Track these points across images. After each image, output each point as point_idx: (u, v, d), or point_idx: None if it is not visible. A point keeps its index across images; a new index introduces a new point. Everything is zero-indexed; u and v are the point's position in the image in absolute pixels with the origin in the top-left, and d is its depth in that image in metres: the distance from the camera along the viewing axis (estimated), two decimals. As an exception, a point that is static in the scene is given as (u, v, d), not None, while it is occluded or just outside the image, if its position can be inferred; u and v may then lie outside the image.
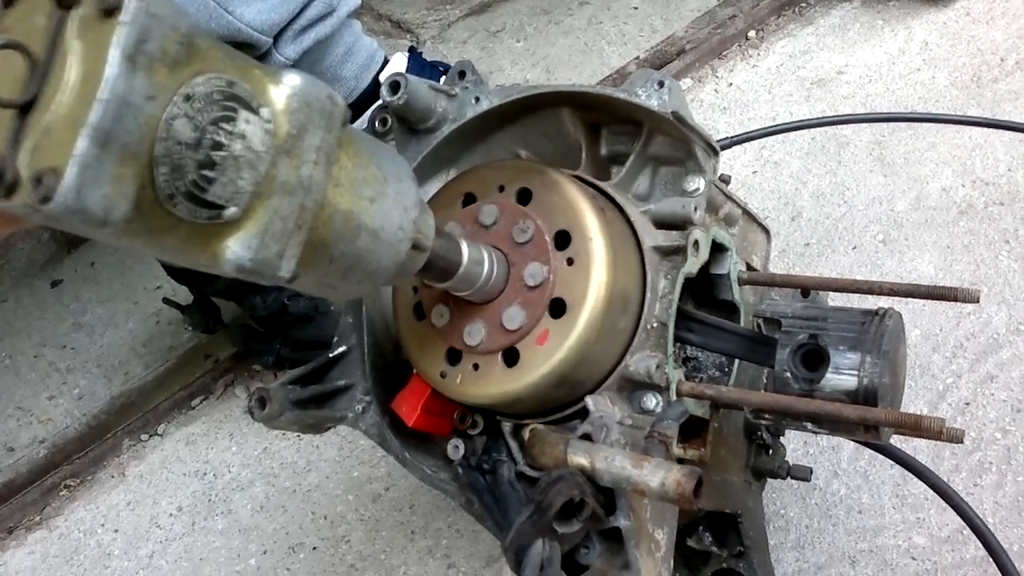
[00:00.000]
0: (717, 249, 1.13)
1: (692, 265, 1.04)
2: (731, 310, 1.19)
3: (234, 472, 1.70)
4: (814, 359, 0.96)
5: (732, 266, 1.16)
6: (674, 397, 1.01)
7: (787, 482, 1.35)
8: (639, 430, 0.95)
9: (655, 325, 1.02)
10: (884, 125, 1.83)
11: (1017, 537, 1.25)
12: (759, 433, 1.26)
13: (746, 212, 1.23)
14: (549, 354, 0.92)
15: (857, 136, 1.84)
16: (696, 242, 1.05)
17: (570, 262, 0.93)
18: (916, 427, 0.90)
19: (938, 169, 1.72)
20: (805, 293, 1.19)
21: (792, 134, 1.90)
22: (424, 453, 1.12)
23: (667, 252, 1.04)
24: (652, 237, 1.04)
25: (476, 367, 0.95)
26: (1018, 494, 1.28)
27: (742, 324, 1.18)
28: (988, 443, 1.35)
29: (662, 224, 1.07)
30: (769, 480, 1.34)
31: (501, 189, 0.99)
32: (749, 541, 1.21)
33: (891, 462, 1.25)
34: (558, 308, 0.91)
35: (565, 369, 0.89)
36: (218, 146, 0.60)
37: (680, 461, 1.10)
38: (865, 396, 0.92)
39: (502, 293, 0.97)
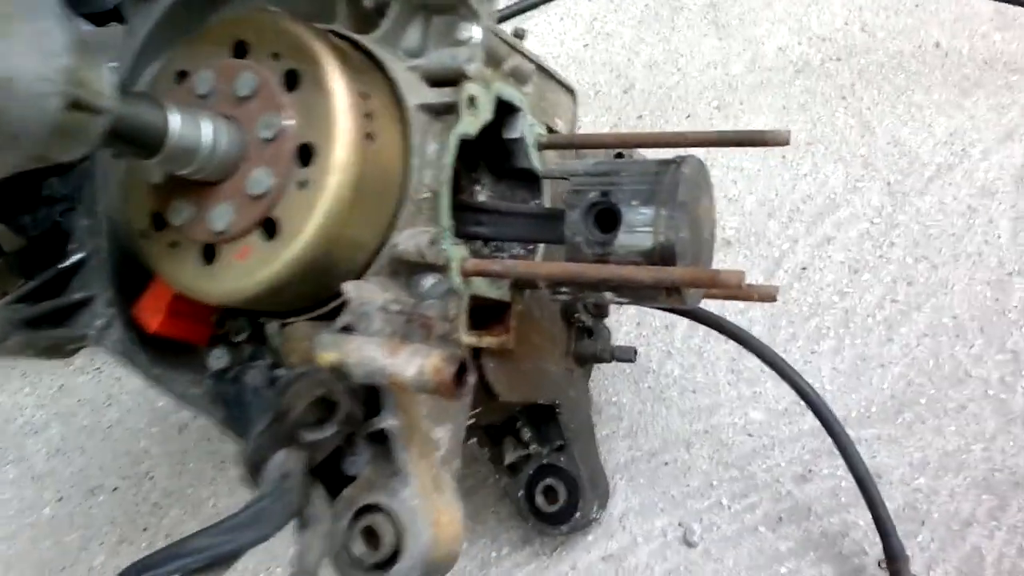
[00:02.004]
0: (507, 111, 0.99)
1: (469, 125, 0.90)
2: (533, 179, 1.05)
3: (27, 415, 1.51)
4: (607, 219, 0.84)
5: (526, 129, 1.02)
6: (456, 278, 0.88)
7: (620, 368, 1.25)
8: (407, 316, 0.81)
9: (426, 196, 0.87)
10: (718, -15, 1.70)
11: (856, 403, 1.17)
12: (577, 316, 1.14)
13: (542, 68, 1.09)
14: (311, 208, 0.76)
15: (691, 1, 1.71)
16: (472, 98, 0.90)
17: (306, 106, 0.78)
18: (713, 283, 0.79)
19: (774, 28, 1.62)
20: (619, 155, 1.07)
21: (627, 3, 1.76)
22: (183, 368, 0.97)
23: (437, 111, 0.89)
24: (418, 95, 0.89)
25: (232, 255, 0.80)
26: (856, 358, 1.20)
27: (544, 194, 1.05)
28: (825, 307, 1.26)
29: (435, 81, 0.92)
30: (600, 367, 1.23)
31: (215, 52, 0.83)
32: (570, 433, 1.11)
33: (725, 337, 1.15)
34: (306, 155, 0.77)
35: (330, 226, 0.76)
36: None
37: (477, 352, 0.97)
38: (662, 255, 0.80)
39: (242, 161, 0.81)
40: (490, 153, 1.07)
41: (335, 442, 0.77)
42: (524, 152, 1.03)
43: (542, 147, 1.05)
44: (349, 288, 0.84)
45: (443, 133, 0.90)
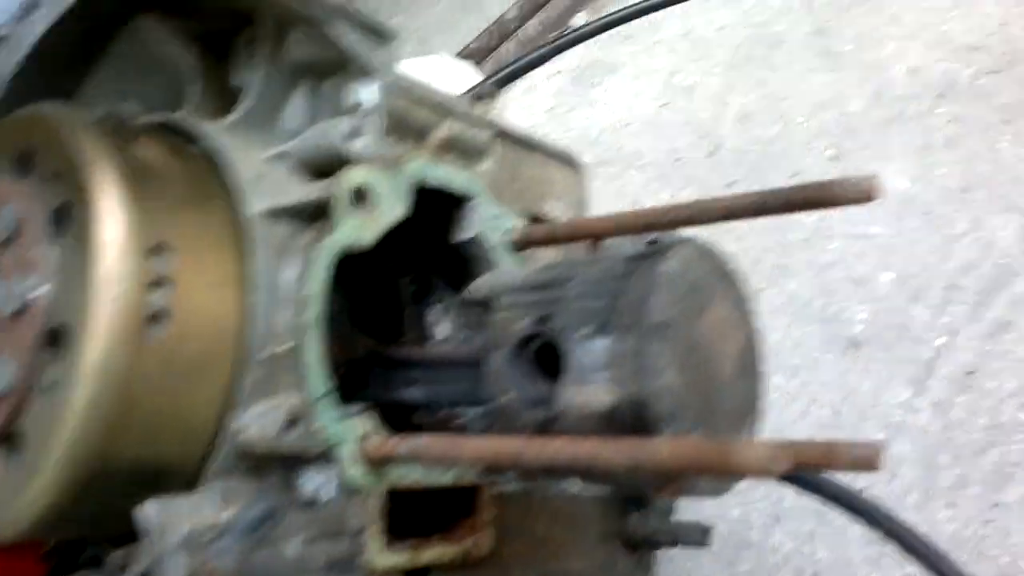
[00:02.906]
0: (455, 202, 0.68)
1: (354, 231, 0.59)
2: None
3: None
4: (549, 361, 0.50)
5: (485, 223, 0.69)
6: (353, 469, 0.56)
7: (701, 542, 0.86)
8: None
9: (282, 350, 0.56)
10: (826, 5, 1.34)
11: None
12: None
13: (512, 136, 0.76)
14: (56, 422, 0.53)
15: (791, 31, 1.35)
16: (359, 190, 0.60)
17: (69, 265, 0.50)
18: (737, 465, 0.44)
19: (903, 46, 1.28)
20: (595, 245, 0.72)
21: (711, 46, 1.42)
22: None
23: (302, 216, 0.58)
24: (273, 196, 0.59)
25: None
26: None
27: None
28: (1011, 430, 0.84)
29: (316, 172, 0.62)
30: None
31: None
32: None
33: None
34: (57, 343, 0.55)
35: (94, 444, 0.53)
36: None
37: (422, 572, 0.64)
38: (633, 419, 0.46)
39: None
40: (450, 265, 0.75)
41: None
42: (485, 256, 0.70)
43: (518, 246, 0.72)
44: (146, 514, 0.53)
45: (309, 249, 0.58)
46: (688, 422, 0.50)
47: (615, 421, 0.50)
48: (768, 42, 1.41)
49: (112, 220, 0.54)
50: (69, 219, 0.56)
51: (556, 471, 0.52)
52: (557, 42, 1.21)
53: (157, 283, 0.55)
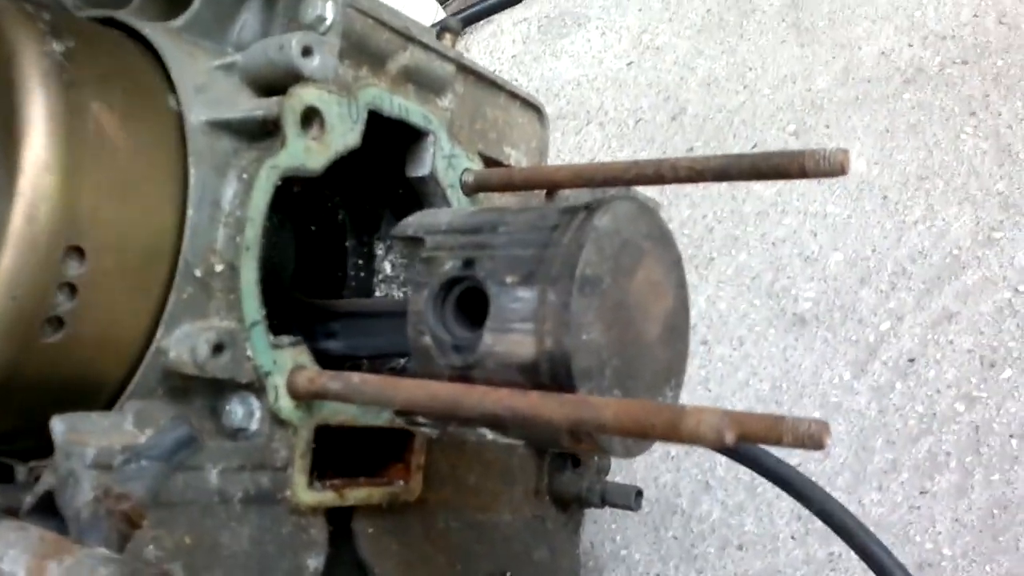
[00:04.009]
0: (410, 136, 0.64)
1: (300, 155, 0.56)
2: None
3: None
4: (473, 306, 0.47)
5: (441, 161, 0.66)
6: (283, 401, 0.53)
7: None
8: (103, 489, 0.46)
9: (218, 268, 0.52)
10: (801, -21, 1.31)
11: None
12: None
13: (478, 74, 0.73)
14: None
15: (766, 0, 1.32)
16: (310, 110, 0.56)
17: None
18: (656, 428, 0.41)
19: (875, 27, 1.24)
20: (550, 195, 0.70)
21: (684, 7, 1.38)
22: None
23: (246, 133, 0.54)
24: (211, 107, 0.54)
25: None
26: (993, 504, 0.79)
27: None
28: (945, 421, 0.84)
29: (264, 89, 0.58)
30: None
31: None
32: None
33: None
34: None
35: (6, 353, 0.50)
36: None
37: (345, 512, 0.61)
38: (552, 371, 0.43)
39: None
40: (400, 202, 0.72)
41: None
42: (440, 196, 0.67)
43: (471, 188, 0.69)
44: (54, 428, 0.49)
45: (251, 167, 0.54)
46: (607, 380, 0.48)
47: (534, 373, 0.48)
48: (742, 9, 1.38)
49: (38, 108, 0.50)
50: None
51: (467, 419, 0.49)
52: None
53: (87, 187, 0.51)
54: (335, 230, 0.77)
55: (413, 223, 0.58)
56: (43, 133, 0.50)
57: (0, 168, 0.50)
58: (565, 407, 0.45)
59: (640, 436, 0.48)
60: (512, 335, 0.48)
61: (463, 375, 0.50)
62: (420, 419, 0.56)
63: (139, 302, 0.53)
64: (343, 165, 0.62)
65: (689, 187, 1.17)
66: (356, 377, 0.55)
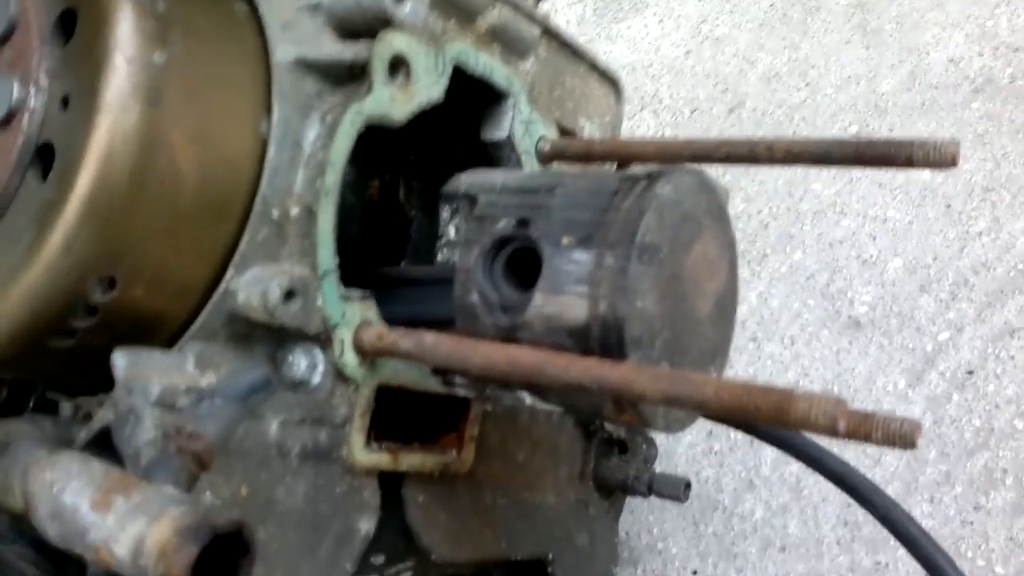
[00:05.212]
0: (488, 96, 0.62)
1: (385, 102, 0.54)
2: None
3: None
4: (524, 267, 0.46)
5: (518, 126, 0.63)
6: (348, 356, 0.51)
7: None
8: (173, 427, 0.44)
9: (295, 212, 0.50)
10: (871, -21, 1.29)
11: None
12: (597, 422, 0.74)
13: (562, 40, 0.70)
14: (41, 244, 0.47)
15: (832, -1, 1.30)
16: (398, 58, 0.54)
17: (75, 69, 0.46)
18: (782, 413, 0.39)
19: (944, 34, 1.22)
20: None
21: (746, 1, 1.36)
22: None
23: (331, 75, 0.52)
24: (300, 47, 0.52)
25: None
26: None
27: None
28: (1003, 437, 0.81)
29: (348, 32, 0.55)
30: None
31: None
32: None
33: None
34: (47, 160, 0.49)
35: (63, 278, 0.47)
36: None
37: (396, 480, 0.59)
38: (603, 338, 0.43)
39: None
40: (470, 165, 0.69)
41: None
42: (515, 162, 0.65)
43: (546, 157, 0.66)
44: (118, 361, 0.47)
45: (334, 110, 0.52)
46: (656, 352, 0.46)
47: (584, 337, 0.46)
48: (806, 6, 1.36)
49: (125, 30, 0.48)
50: (74, 26, 0.50)
51: (510, 381, 0.48)
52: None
53: (168, 113, 0.49)
54: (398, 192, 0.75)
55: (466, 181, 0.56)
56: (128, 55, 0.48)
57: (86, 96, 0.47)
58: (661, 382, 0.43)
59: (741, 418, 0.46)
60: (564, 297, 0.46)
61: (508, 336, 0.49)
62: (457, 379, 0.54)
63: (210, 240, 0.51)
64: (419, 122, 0.60)
65: (745, 180, 1.14)
66: (429, 337, 0.53)
